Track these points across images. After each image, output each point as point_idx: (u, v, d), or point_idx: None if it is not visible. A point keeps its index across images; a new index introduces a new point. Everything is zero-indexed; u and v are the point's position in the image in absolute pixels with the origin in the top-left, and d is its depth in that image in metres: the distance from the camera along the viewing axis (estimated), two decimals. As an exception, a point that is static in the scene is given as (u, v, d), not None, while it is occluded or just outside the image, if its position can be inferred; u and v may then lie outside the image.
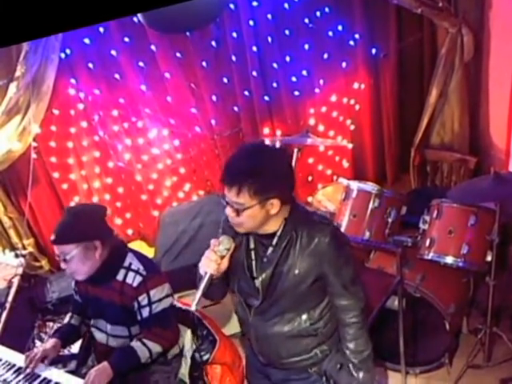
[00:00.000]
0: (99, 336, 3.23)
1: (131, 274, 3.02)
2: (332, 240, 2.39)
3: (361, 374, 2.58)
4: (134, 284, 2.99)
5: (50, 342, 3.15)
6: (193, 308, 2.40)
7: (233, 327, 4.16)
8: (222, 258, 2.40)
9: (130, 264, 3.05)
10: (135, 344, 3.02)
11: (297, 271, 2.42)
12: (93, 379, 2.86)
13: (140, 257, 3.14)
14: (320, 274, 2.44)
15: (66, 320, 3.35)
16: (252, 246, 2.50)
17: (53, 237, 2.93)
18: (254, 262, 2.50)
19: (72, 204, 4.86)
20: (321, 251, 2.39)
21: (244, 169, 2.28)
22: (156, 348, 3.03)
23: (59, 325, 3.63)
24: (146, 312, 3.01)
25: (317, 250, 2.39)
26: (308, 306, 2.54)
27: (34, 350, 3.15)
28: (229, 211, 2.35)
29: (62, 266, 2.98)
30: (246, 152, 2.40)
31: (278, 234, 2.42)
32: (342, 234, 2.76)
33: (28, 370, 3.04)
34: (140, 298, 2.99)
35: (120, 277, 3.03)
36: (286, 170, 2.41)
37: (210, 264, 2.37)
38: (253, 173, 2.26)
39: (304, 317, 2.54)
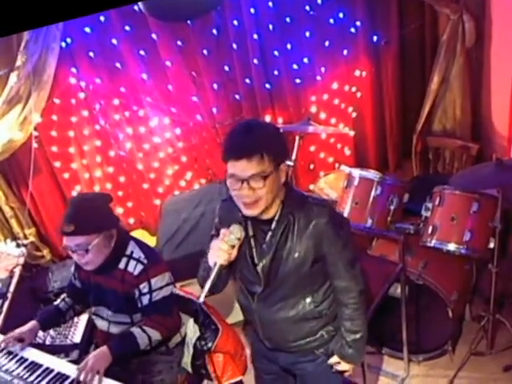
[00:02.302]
0: (100, 323, 3.24)
1: (133, 263, 3.03)
2: (330, 221, 2.40)
3: (350, 351, 2.61)
4: (135, 272, 3.01)
5: (28, 326, 3.15)
6: (201, 300, 2.36)
7: (235, 316, 4.17)
8: (233, 247, 2.37)
9: (132, 252, 3.06)
10: (135, 330, 3.02)
11: (296, 254, 2.43)
12: (92, 364, 2.83)
13: (141, 245, 3.15)
14: (319, 255, 2.45)
15: (57, 302, 3.35)
16: (251, 233, 2.50)
17: (71, 227, 2.84)
18: (254, 249, 2.51)
19: (75, 193, 4.86)
20: (319, 233, 2.40)
21: (261, 136, 2.31)
22: (156, 335, 3.03)
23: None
24: (146, 300, 3.02)
25: (315, 232, 2.40)
26: (311, 288, 2.56)
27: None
28: (246, 190, 2.28)
29: (76, 257, 2.96)
30: (248, 125, 2.42)
31: (276, 218, 2.43)
32: (340, 214, 2.78)
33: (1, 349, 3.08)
34: (141, 286, 3.01)
35: (122, 265, 3.04)
36: (283, 137, 2.50)
37: (222, 254, 2.33)
38: (270, 137, 2.33)
39: (308, 300, 2.56)
